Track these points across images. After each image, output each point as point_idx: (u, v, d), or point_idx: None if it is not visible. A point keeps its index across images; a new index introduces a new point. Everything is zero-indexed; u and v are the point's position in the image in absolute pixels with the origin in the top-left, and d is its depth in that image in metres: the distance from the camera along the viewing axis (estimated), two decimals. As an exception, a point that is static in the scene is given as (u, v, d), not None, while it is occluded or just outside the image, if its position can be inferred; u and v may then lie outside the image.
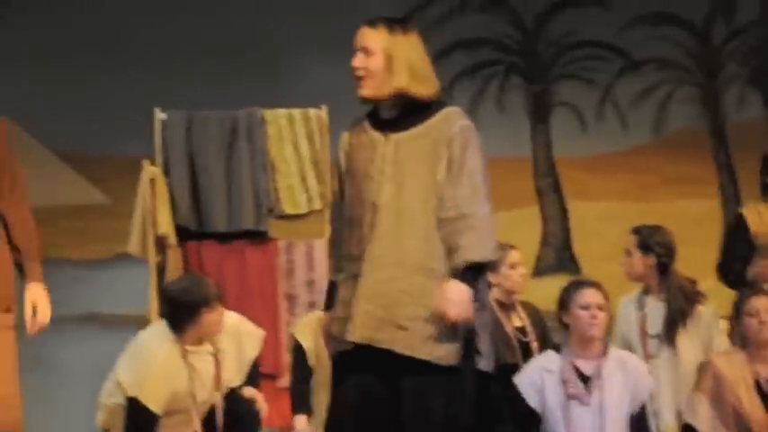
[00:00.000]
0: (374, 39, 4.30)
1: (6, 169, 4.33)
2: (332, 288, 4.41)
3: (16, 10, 8.07)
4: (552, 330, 5.92)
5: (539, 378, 5.27)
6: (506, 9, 8.61)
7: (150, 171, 6.65)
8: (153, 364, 5.39)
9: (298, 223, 6.72)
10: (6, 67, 7.93)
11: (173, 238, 6.57)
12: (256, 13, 8.13)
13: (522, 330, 6.00)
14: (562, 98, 8.54)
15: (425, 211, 4.27)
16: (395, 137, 4.31)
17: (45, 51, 7.98)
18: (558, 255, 8.34)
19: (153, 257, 6.54)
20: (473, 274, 4.24)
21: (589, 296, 5.26)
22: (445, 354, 4.24)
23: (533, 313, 6.07)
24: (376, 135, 4.33)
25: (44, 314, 4.33)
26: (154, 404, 5.37)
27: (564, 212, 8.41)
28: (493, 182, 4.33)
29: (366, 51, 4.30)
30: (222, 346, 5.51)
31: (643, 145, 8.53)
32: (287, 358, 6.36)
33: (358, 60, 4.30)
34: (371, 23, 4.34)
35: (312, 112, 6.80)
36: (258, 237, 6.67)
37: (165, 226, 6.56)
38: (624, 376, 5.23)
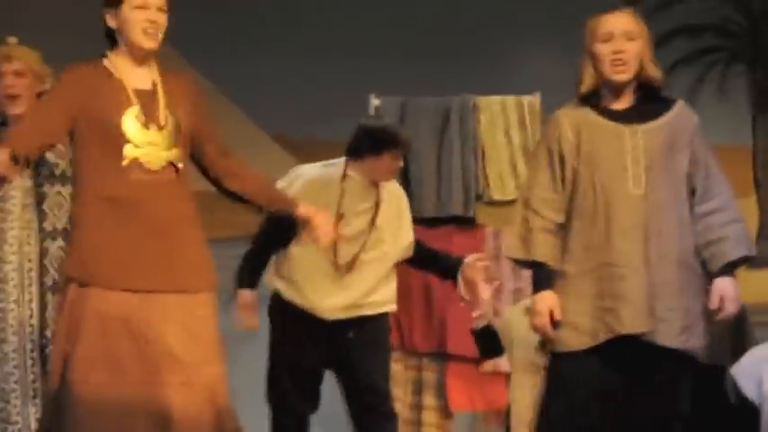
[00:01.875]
0: (633, 24, 4.38)
1: (213, 128, 4.24)
2: (548, 273, 4.43)
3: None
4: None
5: (756, 369, 5.19)
6: (732, -6, 8.42)
7: (363, 156, 6.76)
8: (309, 168, 5.49)
9: (505, 210, 6.71)
10: (227, 53, 8.18)
11: (382, 222, 6.66)
12: (473, 2, 8.16)
13: None
14: (788, 86, 8.29)
15: (678, 203, 4.34)
16: (640, 129, 4.36)
17: (266, 40, 8.20)
18: (775, 247, 8.12)
19: (363, 239, 6.65)
20: (734, 267, 4.35)
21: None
22: (699, 343, 4.36)
23: None
24: (615, 125, 4.36)
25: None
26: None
27: (784, 204, 8.18)
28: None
29: (628, 36, 4.35)
30: (383, 203, 5.49)
31: None
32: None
33: (621, 44, 4.33)
34: (621, 10, 4.41)
35: (525, 99, 6.82)
36: (466, 223, 6.72)
37: (376, 210, 6.65)
38: None
